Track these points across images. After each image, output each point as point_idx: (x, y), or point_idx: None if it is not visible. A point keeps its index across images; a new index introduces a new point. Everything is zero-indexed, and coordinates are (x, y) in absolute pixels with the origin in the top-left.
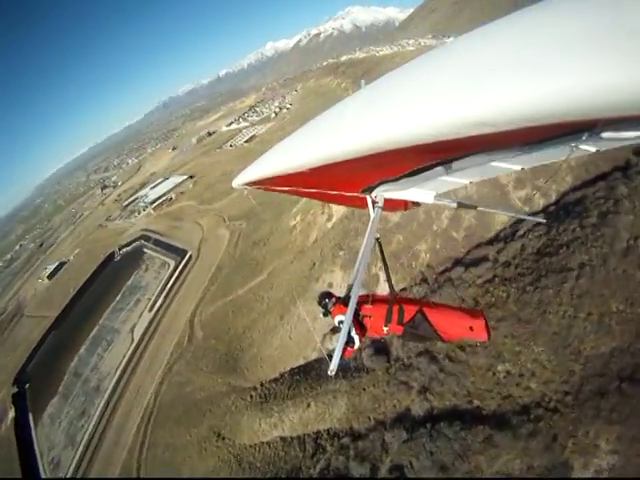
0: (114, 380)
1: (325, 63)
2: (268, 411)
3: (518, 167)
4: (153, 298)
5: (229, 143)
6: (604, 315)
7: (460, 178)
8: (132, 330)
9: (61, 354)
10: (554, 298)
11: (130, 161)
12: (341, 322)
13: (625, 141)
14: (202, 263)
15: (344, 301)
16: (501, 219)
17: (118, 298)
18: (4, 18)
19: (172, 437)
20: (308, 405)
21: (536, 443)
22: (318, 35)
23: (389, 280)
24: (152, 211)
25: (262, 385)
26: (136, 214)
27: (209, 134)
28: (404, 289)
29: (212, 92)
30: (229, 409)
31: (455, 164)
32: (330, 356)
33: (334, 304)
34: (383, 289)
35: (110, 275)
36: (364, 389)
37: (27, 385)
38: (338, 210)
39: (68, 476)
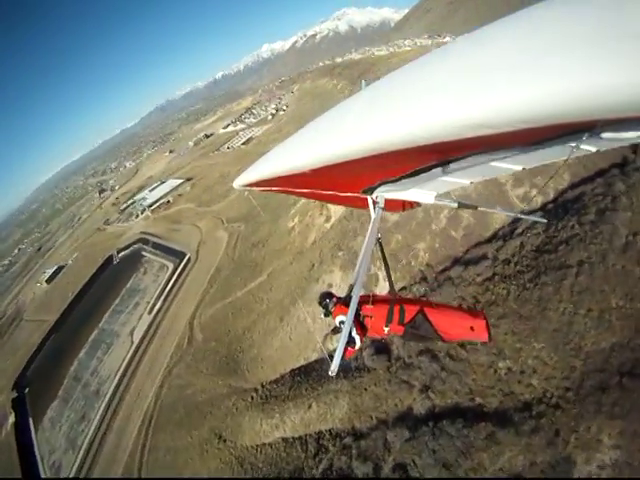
0: (114, 383)
1: (321, 64)
2: (269, 412)
3: (519, 167)
4: (152, 301)
5: (226, 145)
6: (604, 311)
7: (461, 178)
8: (132, 333)
9: (61, 358)
10: (554, 295)
11: (127, 164)
12: (342, 322)
13: (625, 141)
14: (201, 265)
15: (345, 301)
16: (500, 217)
17: (117, 301)
18: None
19: (173, 440)
20: (309, 405)
21: (539, 439)
22: (314, 36)
23: (390, 280)
24: (150, 214)
25: (263, 386)
26: (134, 217)
27: (206, 137)
28: (404, 288)
29: (209, 94)
30: (230, 411)
31: (456, 164)
32: (331, 356)
33: (335, 304)
34: (382, 288)
35: (109, 278)
36: (365, 389)
37: (27, 389)
38: (336, 211)
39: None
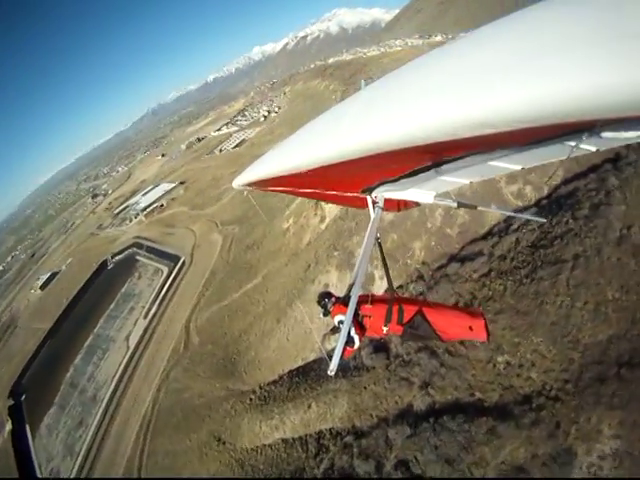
0: (111, 389)
1: (312, 66)
2: (268, 413)
3: (518, 167)
4: (147, 305)
5: (219, 148)
6: (600, 303)
7: (460, 178)
8: (127, 338)
9: (56, 364)
10: (550, 289)
11: (120, 169)
12: (341, 322)
13: (625, 141)
14: (196, 269)
15: (344, 301)
16: (495, 214)
17: (112, 306)
18: None
19: (172, 444)
20: (309, 406)
21: (539, 431)
22: (305, 38)
23: (389, 280)
24: (144, 218)
25: (261, 388)
26: (128, 222)
27: (198, 140)
28: (400, 286)
29: (201, 98)
30: (228, 413)
31: (455, 164)
32: (330, 356)
33: (333, 304)
34: (379, 287)
35: (103, 283)
36: (365, 387)
37: (23, 397)
38: (331, 211)
39: None
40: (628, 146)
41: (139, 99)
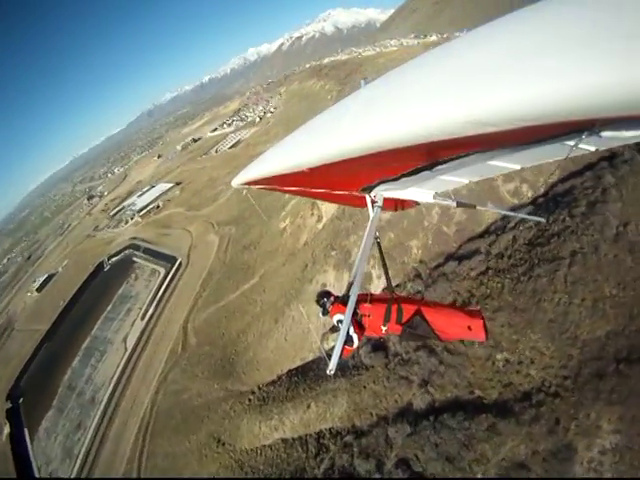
0: (109, 391)
1: (308, 66)
2: (268, 414)
3: (517, 166)
4: (145, 307)
5: (214, 149)
6: (598, 300)
7: (459, 177)
8: (125, 340)
9: (54, 367)
10: (548, 286)
11: (116, 170)
12: (340, 321)
13: (624, 140)
14: (193, 270)
15: (343, 300)
16: (492, 213)
17: (109, 308)
18: None
19: (171, 445)
20: (308, 405)
21: (539, 427)
22: (300, 38)
23: (388, 279)
24: (140, 219)
25: (260, 388)
26: (124, 223)
27: (194, 141)
28: (398, 285)
29: (196, 98)
30: (227, 414)
31: (455, 163)
32: (329, 355)
33: (332, 303)
34: (376, 286)
35: (100, 285)
36: (364, 386)
37: (21, 400)
38: (328, 211)
39: None
40: (624, 144)
41: (134, 100)
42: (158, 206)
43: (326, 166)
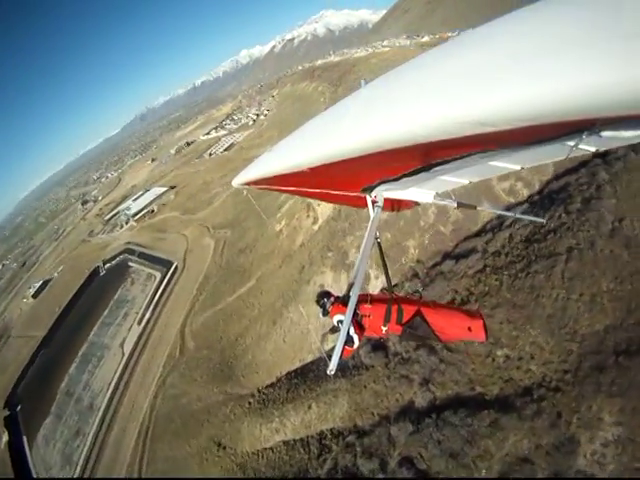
0: (107, 397)
1: (300, 68)
2: (268, 416)
3: (518, 167)
4: (141, 311)
5: (208, 152)
6: (596, 294)
7: (460, 178)
8: (122, 345)
9: (51, 374)
10: (546, 282)
11: (110, 175)
12: (340, 322)
13: (624, 140)
14: (189, 273)
15: (343, 301)
16: (488, 211)
17: (106, 313)
18: None
19: (171, 450)
20: (309, 407)
21: (541, 422)
22: (292, 40)
23: (388, 280)
24: (135, 224)
25: (259, 391)
26: (119, 228)
27: (188, 144)
28: (396, 285)
29: (189, 102)
30: (228, 417)
31: (455, 164)
32: (329, 356)
33: (332, 304)
34: (374, 287)
35: (96, 290)
36: (365, 386)
37: (19, 407)
38: (323, 212)
39: None
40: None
41: (127, 104)
42: (153, 210)
43: (327, 166)
